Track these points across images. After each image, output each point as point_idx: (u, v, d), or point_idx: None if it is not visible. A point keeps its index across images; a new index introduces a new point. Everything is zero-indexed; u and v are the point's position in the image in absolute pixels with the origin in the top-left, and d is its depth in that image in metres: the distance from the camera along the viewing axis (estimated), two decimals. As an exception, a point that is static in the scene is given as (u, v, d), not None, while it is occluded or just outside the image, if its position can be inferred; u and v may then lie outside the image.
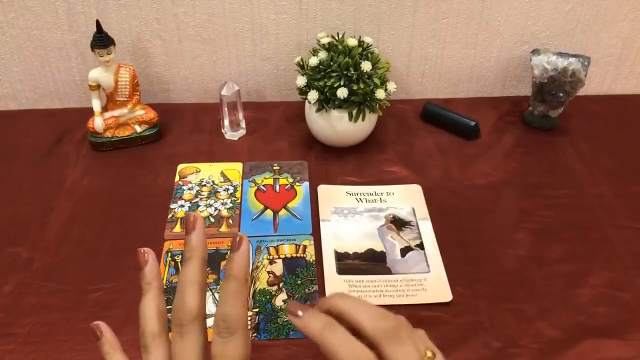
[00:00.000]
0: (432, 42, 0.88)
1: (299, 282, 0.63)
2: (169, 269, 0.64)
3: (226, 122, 0.83)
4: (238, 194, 0.75)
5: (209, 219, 0.71)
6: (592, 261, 0.66)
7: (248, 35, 0.86)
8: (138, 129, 0.82)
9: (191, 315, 0.39)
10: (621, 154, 0.82)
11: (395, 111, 0.87)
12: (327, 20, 0.85)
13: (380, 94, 0.75)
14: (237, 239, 0.40)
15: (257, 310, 0.60)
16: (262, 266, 0.65)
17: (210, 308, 0.60)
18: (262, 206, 0.73)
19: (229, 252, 0.43)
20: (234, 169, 0.79)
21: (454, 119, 0.86)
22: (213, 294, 0.62)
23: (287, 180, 0.77)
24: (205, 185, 0.76)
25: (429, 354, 0.38)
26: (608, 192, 0.75)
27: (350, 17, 0.85)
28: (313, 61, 0.76)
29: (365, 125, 0.78)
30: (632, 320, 0.59)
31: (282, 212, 0.72)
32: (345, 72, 0.74)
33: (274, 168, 0.79)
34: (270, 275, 0.64)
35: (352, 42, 0.76)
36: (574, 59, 0.81)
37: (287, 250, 0.67)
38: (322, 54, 0.77)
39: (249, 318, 0.59)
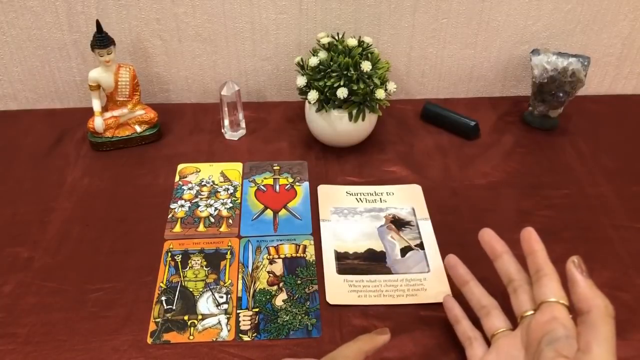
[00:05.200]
0: (432, 42, 0.88)
1: (299, 282, 0.63)
2: (168, 269, 0.64)
3: (226, 122, 0.83)
4: (238, 194, 0.75)
5: (209, 219, 0.71)
6: (592, 261, 0.65)
7: (248, 35, 0.86)
8: (138, 129, 0.82)
9: None
10: (621, 154, 0.82)
11: (395, 111, 0.87)
12: (327, 20, 0.85)
13: (380, 94, 0.75)
14: (384, 332, 0.50)
15: (257, 310, 0.60)
16: (262, 266, 0.65)
17: (211, 308, 0.61)
18: (262, 206, 0.73)
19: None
20: (234, 169, 0.79)
21: (454, 119, 0.86)
22: (213, 294, 0.62)
23: (287, 180, 0.77)
24: (205, 185, 0.76)
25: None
26: (608, 192, 0.75)
27: (350, 17, 0.85)
28: (313, 61, 0.76)
29: (365, 125, 0.78)
30: (632, 320, 0.59)
31: (282, 212, 0.72)
32: (345, 72, 0.74)
33: (274, 168, 0.79)
34: (270, 275, 0.64)
35: (352, 42, 0.76)
36: (574, 59, 0.81)
37: (287, 250, 0.67)
38: (322, 54, 0.77)
39: (249, 318, 0.59)
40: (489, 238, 0.56)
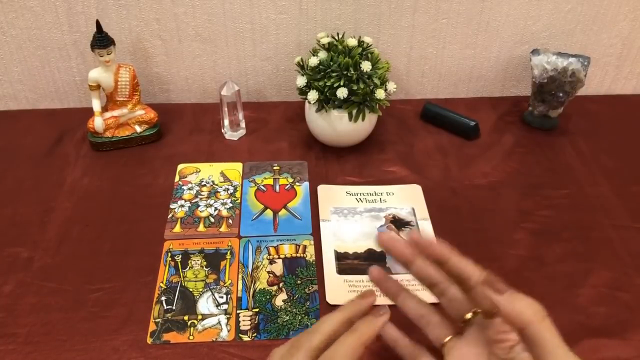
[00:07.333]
0: (432, 42, 0.88)
1: (299, 282, 0.63)
2: (168, 269, 0.64)
3: (226, 122, 0.83)
4: (238, 194, 0.75)
5: (209, 219, 0.71)
6: (592, 261, 0.66)
7: (248, 35, 0.86)
8: (138, 129, 0.82)
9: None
10: (621, 154, 0.82)
11: (395, 111, 0.87)
12: (327, 20, 0.85)
13: (380, 94, 0.75)
14: (383, 311, 0.48)
15: (257, 310, 0.60)
16: (262, 266, 0.65)
17: (211, 308, 0.61)
18: (262, 206, 0.73)
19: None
20: (234, 169, 0.79)
21: (454, 119, 0.86)
22: (213, 294, 0.62)
23: (287, 180, 0.77)
24: (205, 185, 0.76)
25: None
26: (608, 192, 0.75)
27: (350, 17, 0.85)
28: (313, 61, 0.76)
29: (365, 125, 0.78)
30: (632, 320, 0.59)
31: (282, 212, 0.72)
32: (345, 72, 0.74)
33: (274, 168, 0.79)
34: (270, 275, 0.64)
35: (352, 42, 0.76)
36: (574, 59, 0.81)
37: (287, 250, 0.67)
38: (322, 54, 0.77)
39: (249, 318, 0.59)
40: (393, 243, 0.50)
